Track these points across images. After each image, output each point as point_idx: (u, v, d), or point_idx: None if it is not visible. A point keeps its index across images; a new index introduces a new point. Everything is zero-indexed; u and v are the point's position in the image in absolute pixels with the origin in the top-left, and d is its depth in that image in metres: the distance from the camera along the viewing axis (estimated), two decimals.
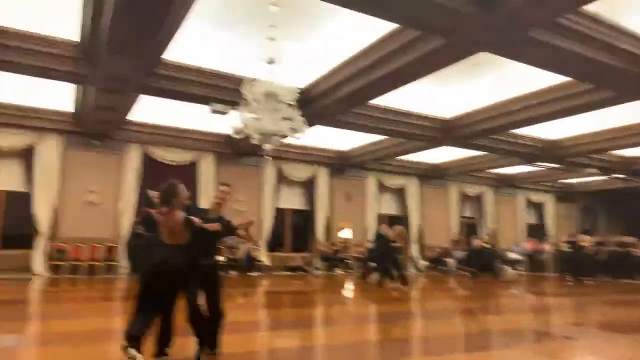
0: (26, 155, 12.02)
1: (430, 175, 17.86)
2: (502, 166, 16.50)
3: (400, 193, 17.84)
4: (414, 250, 17.46)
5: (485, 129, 11.51)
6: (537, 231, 20.71)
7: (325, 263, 15.36)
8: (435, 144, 13.12)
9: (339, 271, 15.10)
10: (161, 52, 7.79)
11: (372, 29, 7.30)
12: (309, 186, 15.91)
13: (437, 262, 17.22)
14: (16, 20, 7.21)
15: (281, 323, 6.47)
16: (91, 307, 7.36)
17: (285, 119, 7.92)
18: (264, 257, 14.45)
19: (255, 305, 8.55)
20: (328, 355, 4.59)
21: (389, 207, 17.81)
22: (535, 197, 20.99)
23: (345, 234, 16.34)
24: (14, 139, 11.80)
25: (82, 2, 6.58)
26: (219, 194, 4.21)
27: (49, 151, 12.12)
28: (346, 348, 4.70)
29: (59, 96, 10.46)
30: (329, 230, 15.98)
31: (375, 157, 15.09)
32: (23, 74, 8.46)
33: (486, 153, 14.86)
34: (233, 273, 13.38)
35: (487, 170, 17.82)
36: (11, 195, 11.98)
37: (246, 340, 4.96)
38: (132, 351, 3.25)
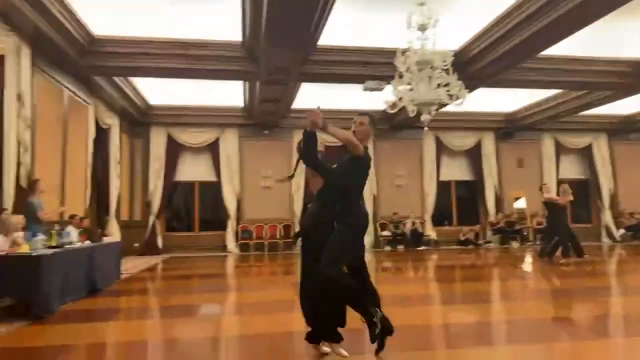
0: (212, 149, 13.88)
1: (623, 129, 15.25)
2: None
3: (584, 153, 15.68)
4: (607, 216, 15.24)
5: None
6: None
7: (497, 236, 14.44)
8: (627, 92, 11.12)
9: (514, 244, 14.06)
10: (316, 40, 8.13)
11: None
12: (473, 155, 15.04)
13: (636, 230, 14.78)
14: (189, 30, 8.24)
15: (455, 297, 6.30)
16: (274, 280, 8.22)
17: (441, 85, 7.60)
18: (430, 231, 14.25)
19: (425, 279, 8.50)
20: (508, 331, 4.32)
21: (571, 170, 15.81)
22: None
23: (520, 203, 15.07)
24: (202, 136, 13.72)
25: (241, 4, 7.20)
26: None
27: (229, 144, 13.79)
28: (526, 324, 4.35)
29: (231, 93, 11.76)
30: (500, 200, 14.92)
31: (550, 115, 13.45)
32: (204, 78, 9.73)
33: None
34: (400, 247, 13.53)
35: None
36: (203, 185, 14.01)
37: (420, 313, 4.96)
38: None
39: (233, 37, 8.42)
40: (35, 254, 4.89)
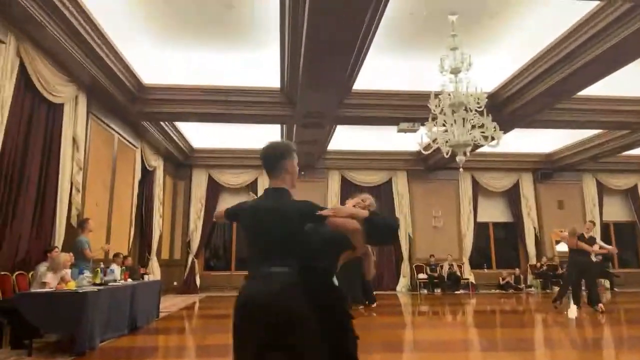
0: (251, 190, 14.18)
1: None
2: None
3: (629, 194, 15.02)
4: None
5: None
6: None
7: (538, 280, 13.83)
8: None
9: (557, 288, 13.39)
10: (351, 84, 8.37)
11: (569, 11, 6.49)
12: (512, 196, 14.70)
13: None
14: (230, 78, 8.67)
15: (495, 344, 6.04)
16: None
17: (476, 127, 7.59)
18: (468, 274, 13.82)
19: (464, 324, 8.20)
20: None
21: (615, 212, 15.13)
22: None
23: (562, 246, 14.45)
24: (241, 177, 14.09)
25: (279, 52, 7.56)
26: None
27: (266, 185, 14.06)
28: None
29: (269, 137, 12.11)
30: (540, 242, 14.39)
31: (590, 156, 13.07)
32: (243, 122, 10.12)
33: None
34: (437, 291, 13.15)
35: None
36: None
37: None
38: None
39: (272, 83, 8.78)
40: (81, 291, 5.08)
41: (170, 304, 10.19)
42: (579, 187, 14.78)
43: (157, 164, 11.85)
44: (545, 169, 14.44)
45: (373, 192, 14.26)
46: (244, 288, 1.91)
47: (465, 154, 7.95)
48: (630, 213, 15.07)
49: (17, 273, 5.93)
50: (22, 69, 6.00)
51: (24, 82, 6.13)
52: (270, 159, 2.32)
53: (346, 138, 12.14)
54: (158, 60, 7.92)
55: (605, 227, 14.77)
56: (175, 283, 13.21)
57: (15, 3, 5.34)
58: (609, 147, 12.29)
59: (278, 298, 1.79)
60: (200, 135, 12.16)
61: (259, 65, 8.05)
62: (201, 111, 9.31)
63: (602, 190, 14.84)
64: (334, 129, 11.18)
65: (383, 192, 14.28)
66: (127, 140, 9.96)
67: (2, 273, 5.72)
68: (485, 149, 9.85)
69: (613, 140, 11.95)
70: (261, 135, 11.90)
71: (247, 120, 9.93)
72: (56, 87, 6.74)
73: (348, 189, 14.25)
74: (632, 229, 15.11)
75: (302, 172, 13.98)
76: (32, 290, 5.40)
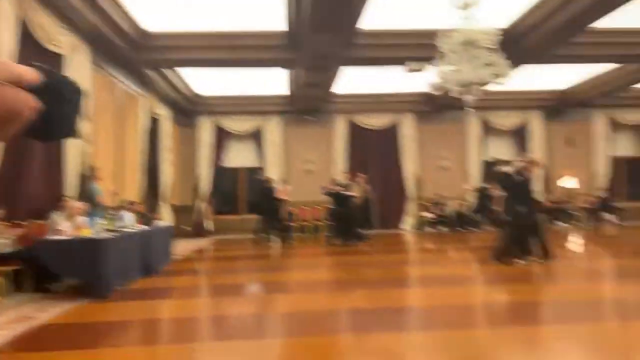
0: (256, 136, 14.15)
1: None
2: None
3: None
4: None
5: None
6: None
7: (544, 216, 13.93)
8: None
9: (561, 224, 13.55)
10: (356, 23, 8.04)
11: None
12: (520, 134, 14.52)
13: None
14: (234, 22, 8.36)
15: (497, 277, 6.19)
16: (319, 261, 8.37)
17: (486, 65, 7.36)
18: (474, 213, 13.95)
19: (466, 260, 8.38)
20: (552, 311, 4.22)
21: (626, 147, 14.97)
22: None
23: (568, 182, 14.45)
24: (247, 123, 13.99)
25: None
26: None
27: (273, 131, 14.00)
28: (572, 304, 4.23)
29: (275, 82, 11.89)
30: (548, 180, 14.37)
31: (603, 91, 12.73)
32: (249, 66, 9.88)
33: None
34: (444, 229, 13.38)
35: None
36: (249, 171, 14.30)
37: (465, 293, 4.93)
38: None
39: (277, 26, 8.48)
40: (97, 237, 5.21)
41: (182, 247, 10.48)
42: (588, 124, 14.53)
43: (163, 112, 11.77)
44: (555, 106, 14.13)
45: (381, 135, 14.20)
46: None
47: (474, 93, 7.79)
48: None
49: (33, 222, 6.07)
50: (21, 20, 5.81)
51: (23, 33, 5.96)
52: None
53: (352, 80, 11.86)
54: (160, 6, 7.63)
55: (614, 161, 14.65)
56: (186, 227, 13.53)
57: None
58: (622, 82, 11.92)
59: None
60: (205, 82, 11.95)
61: (263, 7, 7.72)
62: (205, 57, 9.09)
63: (612, 125, 14.58)
64: (340, 71, 10.90)
65: (391, 134, 14.20)
66: (132, 90, 9.83)
67: (20, 222, 5.85)
68: (494, 86, 9.61)
69: (627, 74, 11.56)
70: (267, 81, 11.68)
71: (252, 65, 9.70)
72: (57, 37, 6.56)
73: (355, 133, 14.17)
74: None
75: (308, 117, 13.89)
76: (49, 237, 5.54)
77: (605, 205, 13.76)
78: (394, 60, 9.56)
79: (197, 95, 13.17)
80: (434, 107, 13.73)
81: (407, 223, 14.00)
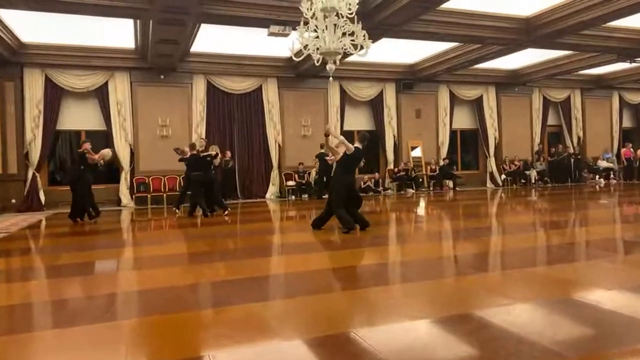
0: (100, 95, 12.77)
1: (509, 82, 16.75)
2: (593, 66, 15.02)
3: (476, 104, 17.00)
4: (492, 164, 16.91)
5: (574, 25, 10.36)
6: (635, 135, 19.26)
7: (395, 183, 15.39)
8: (514, 47, 12.13)
9: (410, 191, 15.11)
10: None
11: None
12: (376, 105, 15.58)
13: (516, 175, 16.77)
14: None
15: (356, 242, 6.67)
16: (170, 233, 8.06)
17: (346, 34, 7.64)
18: None
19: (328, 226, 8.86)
20: (403, 271, 4.73)
21: (464, 120, 17.14)
22: (633, 97, 19.17)
23: (416, 152, 16.09)
24: (88, 80, 12.52)
25: None
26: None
27: (120, 89, 12.77)
28: (419, 263, 4.80)
29: (121, 33, 10.77)
30: (399, 149, 15.79)
31: (447, 68, 14.28)
32: (86, 14, 8.75)
33: (574, 52, 13.55)
34: (304, 197, 13.89)
35: (575, 73, 16.29)
36: (91, 134, 12.89)
37: (305, 260, 5.21)
38: None
39: None
40: None
41: (9, 223, 9.17)
42: (434, 97, 16.22)
43: None
44: (407, 79, 15.44)
45: (243, 100, 13.96)
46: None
47: (335, 62, 8.05)
48: (475, 121, 17.17)
49: None
50: None
51: None
52: None
53: (213, 40, 11.35)
54: None
55: (453, 133, 16.68)
56: (13, 200, 11.83)
57: None
58: (463, 60, 13.51)
59: None
60: (33, 27, 10.29)
61: None
62: None
63: (453, 100, 16.50)
64: (198, 28, 10.34)
65: (253, 100, 14.05)
66: None
67: None
68: (353, 58, 10.07)
69: (467, 53, 13.13)
70: (111, 31, 10.53)
71: (92, 12, 8.62)
72: None
73: (215, 96, 13.70)
74: (475, 135, 17.34)
75: (162, 76, 12.96)
76: None
77: (445, 173, 15.71)
78: (256, 21, 9.38)
79: (21, 43, 11.34)
80: (297, 74, 13.93)
81: (270, 191, 14.19)
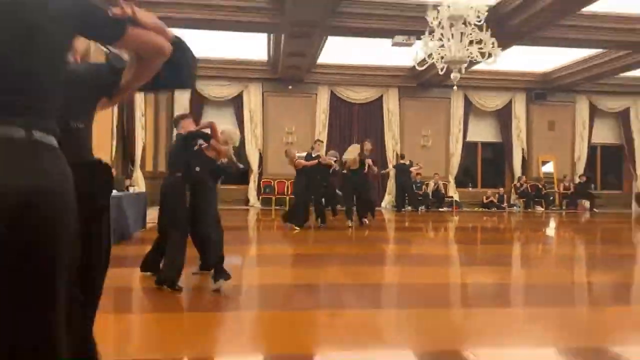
0: (235, 103, 13.92)
1: None
2: None
3: (621, 117, 15.08)
4: (639, 185, 14.83)
5: None
6: None
7: (521, 199, 14.28)
8: None
9: (539, 208, 13.90)
10: None
11: None
12: (503, 116, 14.66)
13: None
14: None
15: (475, 259, 6.34)
16: (290, 234, 8.39)
17: (474, 42, 7.34)
18: (453, 193, 14.18)
19: (446, 240, 8.53)
20: (526, 295, 4.35)
21: (605, 135, 15.30)
22: None
23: (548, 167, 14.78)
24: (226, 90, 13.73)
25: None
26: None
27: (253, 98, 13.77)
28: (546, 289, 4.38)
29: (256, 47, 11.61)
30: (527, 163, 14.64)
31: (587, 77, 12.89)
32: (227, 30, 9.60)
33: None
34: (421, 208, 13.54)
35: None
36: None
37: (435, 273, 5.03)
38: None
39: None
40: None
41: (156, 215, 10.33)
42: (572, 108, 14.75)
43: None
44: (539, 89, 14.28)
45: (364, 110, 14.14)
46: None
47: (460, 70, 7.79)
48: (619, 136, 15.24)
49: None
50: None
51: None
52: None
53: (337, 51, 11.68)
54: None
55: (592, 149, 15.01)
56: None
57: None
58: (606, 68, 12.10)
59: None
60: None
61: None
62: (181, 16, 8.75)
63: (594, 112, 14.85)
64: (325, 41, 10.72)
65: (373, 110, 14.15)
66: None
67: None
68: (480, 66, 9.63)
69: (611, 61, 11.73)
70: (247, 45, 11.41)
71: (232, 28, 9.43)
72: None
73: (337, 106, 14.07)
74: (619, 152, 15.39)
75: (290, 86, 13.70)
76: None
77: (582, 191, 14.14)
78: (381, 32, 9.43)
79: None
80: (419, 84, 13.71)
81: (386, 201, 14.10)
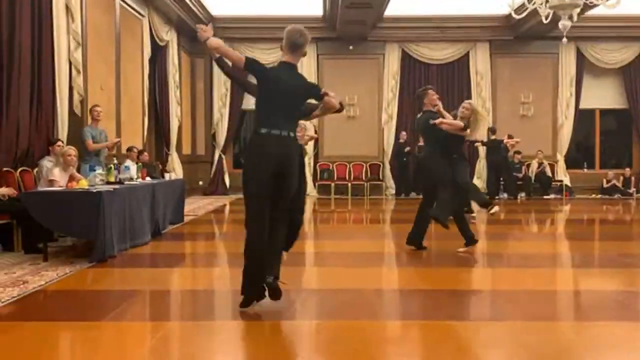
0: None
1: None
2: None
3: None
4: None
5: None
6: None
7: None
8: None
9: None
10: None
11: None
12: (629, 74, 13.87)
13: None
14: None
15: (592, 260, 6.12)
16: (359, 228, 8.47)
17: None
18: (562, 176, 13.69)
19: (555, 235, 8.30)
20: None
21: None
22: None
23: None
24: (273, 54, 13.86)
25: None
26: None
27: (305, 62, 13.72)
28: None
29: (307, 0, 11.68)
30: None
31: None
32: None
33: None
34: (521, 195, 13.21)
35: None
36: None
37: (540, 278, 4.92)
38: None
39: None
40: (94, 191, 5.40)
41: (196, 206, 10.78)
42: None
43: (169, 37, 11.84)
44: None
45: (444, 72, 13.87)
46: (265, 139, 3.57)
47: (571, 17, 7.50)
48: None
49: (20, 169, 6.35)
50: None
51: None
52: (304, 44, 3.79)
53: (409, 0, 11.51)
54: None
55: None
56: (200, 183, 13.86)
57: None
58: None
59: (287, 151, 3.64)
60: (220, 0, 11.87)
61: None
62: None
63: None
64: None
65: (457, 71, 13.85)
66: (132, 7, 9.89)
67: (5, 169, 6.13)
68: (597, 10, 9.15)
69: None
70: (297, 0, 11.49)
71: None
72: None
73: (410, 68, 13.89)
74: None
75: (350, 47, 13.66)
76: (40, 189, 5.79)
77: None
78: None
79: (211, 16, 13.13)
80: (516, 36, 13.26)
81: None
